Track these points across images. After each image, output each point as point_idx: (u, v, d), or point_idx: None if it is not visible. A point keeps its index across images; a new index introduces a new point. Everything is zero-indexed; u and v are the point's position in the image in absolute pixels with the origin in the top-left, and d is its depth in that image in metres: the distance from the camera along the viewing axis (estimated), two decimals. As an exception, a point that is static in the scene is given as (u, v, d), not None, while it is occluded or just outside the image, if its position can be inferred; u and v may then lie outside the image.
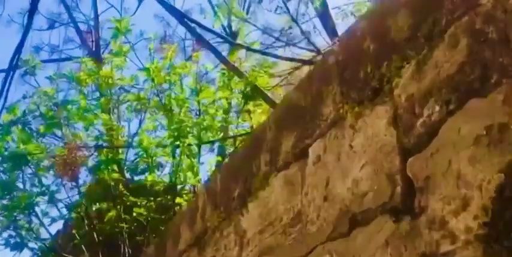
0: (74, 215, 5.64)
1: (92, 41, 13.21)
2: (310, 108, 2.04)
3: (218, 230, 2.70)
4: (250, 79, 5.51)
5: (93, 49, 12.42)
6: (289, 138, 2.17)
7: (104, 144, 5.48)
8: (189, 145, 5.23)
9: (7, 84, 6.86)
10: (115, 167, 5.36)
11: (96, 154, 5.43)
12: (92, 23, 13.37)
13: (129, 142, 5.85)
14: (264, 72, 5.73)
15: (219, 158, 6.84)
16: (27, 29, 7.50)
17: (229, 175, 2.73)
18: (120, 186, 5.56)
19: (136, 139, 5.74)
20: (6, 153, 5.36)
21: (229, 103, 7.23)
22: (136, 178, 6.31)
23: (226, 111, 7.03)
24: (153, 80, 6.51)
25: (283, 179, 2.13)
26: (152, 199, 5.71)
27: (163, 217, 5.35)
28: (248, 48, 5.97)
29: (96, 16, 13.20)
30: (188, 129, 5.19)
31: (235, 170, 2.66)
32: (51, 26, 14.07)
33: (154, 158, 6.11)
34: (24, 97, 6.05)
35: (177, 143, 5.16)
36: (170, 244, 3.49)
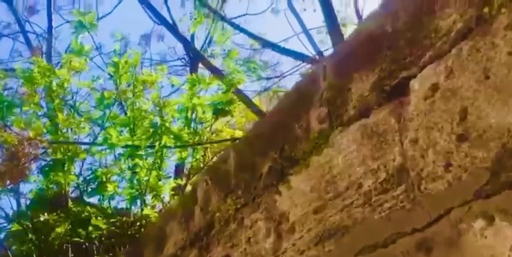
0: (14, 228, 4.73)
1: (43, 54, 12.34)
2: (406, 31, 1.45)
3: (234, 220, 2.02)
4: (232, 80, 4.88)
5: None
6: (364, 78, 1.56)
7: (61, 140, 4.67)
8: (165, 146, 4.49)
9: None
10: (73, 168, 4.55)
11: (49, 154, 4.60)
12: (45, 36, 12.55)
13: (91, 140, 5.06)
14: (253, 72, 5.13)
15: (178, 181, 6.05)
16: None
17: (251, 148, 2.08)
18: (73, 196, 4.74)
19: (101, 135, 4.93)
20: None
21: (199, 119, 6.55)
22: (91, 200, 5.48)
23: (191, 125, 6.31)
24: (117, 80, 5.78)
25: (360, 132, 1.51)
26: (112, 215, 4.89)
27: (126, 233, 4.54)
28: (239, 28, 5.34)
29: (50, 29, 12.39)
30: (164, 128, 4.47)
31: (262, 141, 2.01)
32: (-2, 36, 13.12)
33: (110, 175, 5.33)
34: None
35: (152, 142, 4.43)
36: (150, 251, 2.75)
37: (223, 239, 2.05)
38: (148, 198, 5.42)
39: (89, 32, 6.21)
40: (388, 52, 1.50)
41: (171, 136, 4.43)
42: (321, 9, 5.46)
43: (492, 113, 1.12)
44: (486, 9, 1.21)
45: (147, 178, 4.61)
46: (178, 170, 8.19)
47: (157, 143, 4.41)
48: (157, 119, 5.72)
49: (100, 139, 4.84)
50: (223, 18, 5.43)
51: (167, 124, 4.53)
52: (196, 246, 2.24)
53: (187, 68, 11.42)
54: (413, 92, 1.37)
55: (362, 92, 1.56)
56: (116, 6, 11.25)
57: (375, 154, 1.42)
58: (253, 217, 1.90)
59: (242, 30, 5.43)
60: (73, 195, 5.61)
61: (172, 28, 6.02)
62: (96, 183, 5.43)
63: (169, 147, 4.55)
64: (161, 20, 6.09)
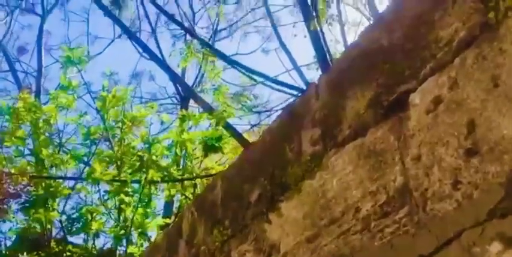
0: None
1: (32, 92, 12.24)
2: (403, 43, 1.36)
3: (221, 253, 1.87)
4: (223, 114, 4.78)
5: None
6: (360, 95, 1.46)
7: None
8: (153, 182, 4.34)
9: None
10: (55, 205, 4.37)
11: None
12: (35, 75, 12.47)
13: (76, 175, 4.89)
14: (243, 106, 5.05)
15: (167, 220, 5.85)
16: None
17: (239, 175, 1.95)
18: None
19: (86, 170, 4.78)
20: None
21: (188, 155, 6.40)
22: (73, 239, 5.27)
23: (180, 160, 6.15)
24: (104, 116, 5.65)
25: (356, 152, 1.39)
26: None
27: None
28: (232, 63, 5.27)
29: (40, 68, 12.34)
30: (150, 161, 4.33)
31: (251, 167, 1.89)
32: (-14, 74, 13.00)
33: (95, 213, 5.15)
34: None
35: (139, 176, 4.28)
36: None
37: (208, 275, 1.90)
38: (135, 236, 5.22)
39: (79, 70, 6.13)
40: (385, 66, 1.40)
41: (158, 171, 4.29)
42: (311, 43, 5.44)
43: (504, 124, 1.01)
44: (491, 15, 1.12)
45: (132, 214, 4.44)
46: (168, 209, 7.96)
47: (143, 177, 4.26)
48: (145, 155, 5.56)
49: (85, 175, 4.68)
50: (214, 50, 5.38)
51: (154, 157, 4.39)
52: (180, 283, 2.08)
53: (178, 107, 11.34)
54: (413, 107, 1.27)
55: (357, 109, 1.45)
56: (107, 46, 11.24)
57: (373, 175, 1.30)
58: (241, 248, 1.76)
59: (234, 63, 5.38)
60: (58, 236, 5.39)
61: (163, 63, 5.97)
62: (81, 221, 5.23)
63: (156, 182, 4.40)
64: (151, 55, 6.04)
